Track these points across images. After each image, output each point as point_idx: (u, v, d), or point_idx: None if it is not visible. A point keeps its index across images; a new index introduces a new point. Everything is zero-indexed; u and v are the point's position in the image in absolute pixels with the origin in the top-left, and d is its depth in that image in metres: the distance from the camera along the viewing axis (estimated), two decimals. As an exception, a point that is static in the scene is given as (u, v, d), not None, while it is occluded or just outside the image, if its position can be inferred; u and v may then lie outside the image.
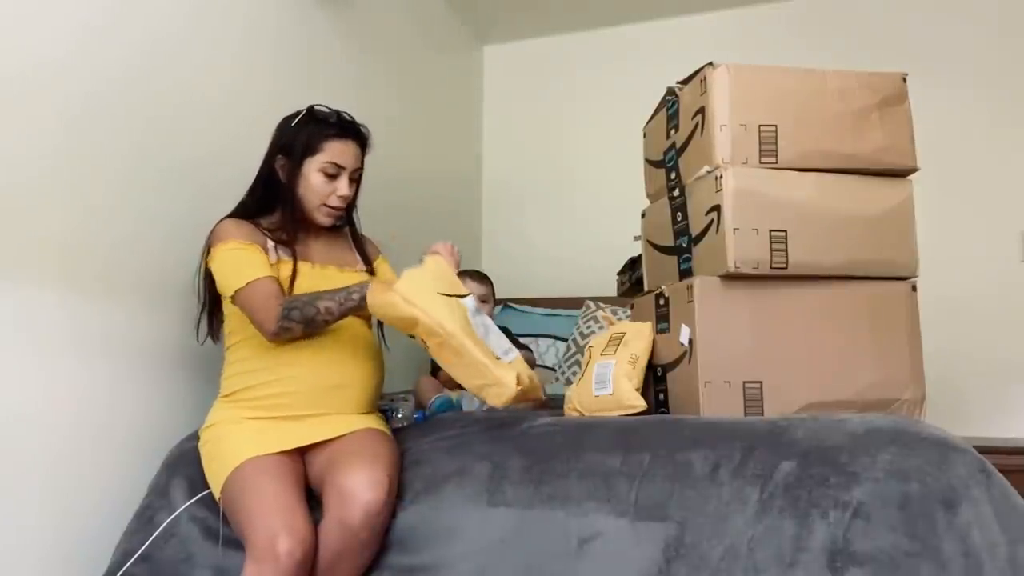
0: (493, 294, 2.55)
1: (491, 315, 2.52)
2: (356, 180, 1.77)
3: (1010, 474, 1.35)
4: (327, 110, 1.74)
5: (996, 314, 2.93)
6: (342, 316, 1.58)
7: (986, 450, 1.41)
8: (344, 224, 1.84)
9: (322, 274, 1.72)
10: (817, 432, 1.36)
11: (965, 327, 2.88)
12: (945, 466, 1.26)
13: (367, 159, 1.80)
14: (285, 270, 1.67)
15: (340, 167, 1.70)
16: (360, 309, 1.56)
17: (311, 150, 1.68)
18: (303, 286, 1.65)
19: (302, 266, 1.69)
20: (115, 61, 1.72)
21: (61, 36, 1.59)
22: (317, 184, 1.69)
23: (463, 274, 2.57)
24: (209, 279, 1.70)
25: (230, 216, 1.72)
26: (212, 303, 1.74)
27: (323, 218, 1.73)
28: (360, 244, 1.86)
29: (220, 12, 2.05)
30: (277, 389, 1.61)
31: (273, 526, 1.38)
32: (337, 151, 1.69)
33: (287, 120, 1.74)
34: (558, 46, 3.71)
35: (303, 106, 1.76)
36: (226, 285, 1.62)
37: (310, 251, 1.75)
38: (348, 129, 1.72)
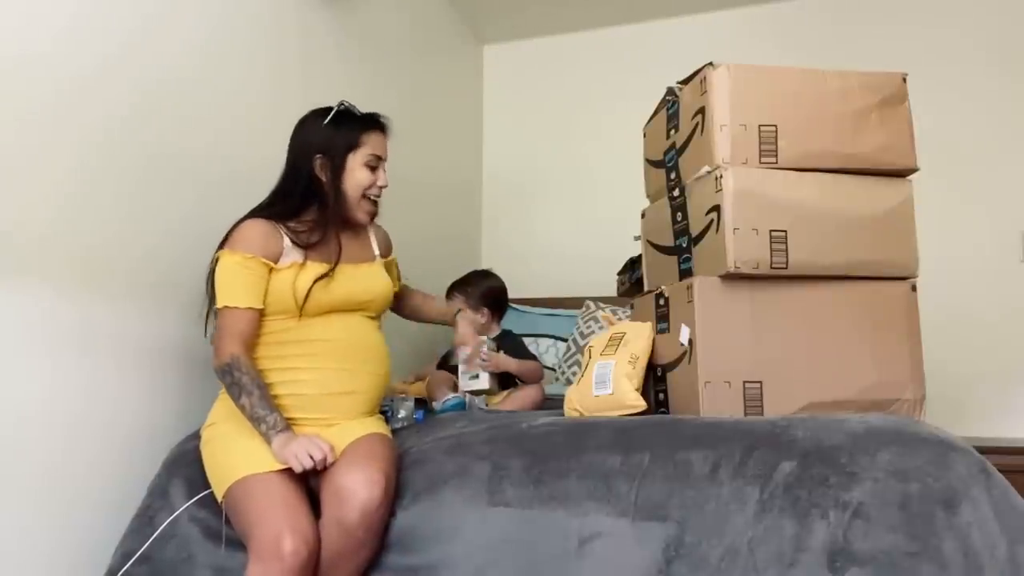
0: (484, 296, 2.45)
1: (483, 322, 2.43)
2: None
3: (1010, 474, 1.35)
4: (350, 105, 1.74)
5: (996, 314, 2.92)
6: (249, 419, 1.52)
7: (986, 450, 1.41)
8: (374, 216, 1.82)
9: (340, 272, 1.68)
10: (817, 432, 1.36)
11: (965, 327, 2.88)
12: (945, 466, 1.27)
13: None
14: (305, 275, 1.63)
15: (380, 158, 1.74)
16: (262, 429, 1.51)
17: (353, 145, 1.70)
18: (319, 288, 1.63)
19: (319, 267, 1.65)
20: (124, 69, 1.72)
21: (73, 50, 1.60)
22: (362, 178, 1.71)
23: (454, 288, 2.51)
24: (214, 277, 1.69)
25: (256, 215, 1.68)
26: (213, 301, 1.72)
27: (363, 215, 1.75)
28: (380, 235, 1.88)
29: (219, 13, 2.05)
30: (282, 391, 1.60)
31: (277, 526, 1.38)
32: (376, 143, 1.73)
33: (315, 120, 1.72)
34: (558, 46, 3.71)
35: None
36: (217, 296, 1.62)
37: (330, 251, 1.69)
38: (378, 121, 1.75)
